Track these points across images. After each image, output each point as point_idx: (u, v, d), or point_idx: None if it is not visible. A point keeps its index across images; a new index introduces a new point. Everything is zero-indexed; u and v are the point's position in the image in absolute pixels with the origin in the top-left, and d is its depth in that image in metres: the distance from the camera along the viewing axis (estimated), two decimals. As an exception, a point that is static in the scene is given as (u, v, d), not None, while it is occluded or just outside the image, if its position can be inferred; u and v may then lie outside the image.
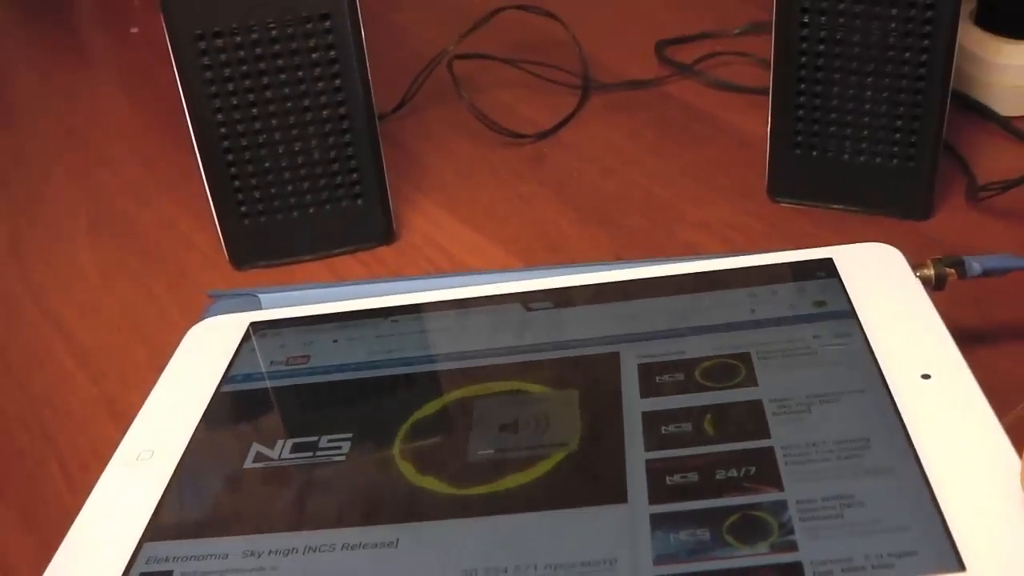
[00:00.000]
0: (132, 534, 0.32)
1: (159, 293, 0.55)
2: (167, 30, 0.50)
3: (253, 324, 0.43)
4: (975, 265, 0.43)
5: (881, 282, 0.39)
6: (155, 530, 0.33)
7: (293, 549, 0.31)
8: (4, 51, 0.88)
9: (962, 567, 0.26)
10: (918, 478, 0.29)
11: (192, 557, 0.31)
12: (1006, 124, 0.61)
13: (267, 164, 0.53)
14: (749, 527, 0.29)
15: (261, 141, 0.53)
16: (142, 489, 0.34)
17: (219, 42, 0.50)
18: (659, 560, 0.28)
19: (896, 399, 0.32)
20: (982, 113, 0.62)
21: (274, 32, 0.51)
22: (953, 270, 0.43)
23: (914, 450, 0.30)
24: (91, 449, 0.45)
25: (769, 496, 0.30)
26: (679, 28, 0.74)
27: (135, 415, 0.39)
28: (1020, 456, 0.29)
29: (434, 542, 0.30)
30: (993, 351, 0.45)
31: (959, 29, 0.50)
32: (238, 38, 0.50)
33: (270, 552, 0.31)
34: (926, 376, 0.33)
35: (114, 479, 0.35)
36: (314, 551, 0.30)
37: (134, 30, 0.86)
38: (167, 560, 0.31)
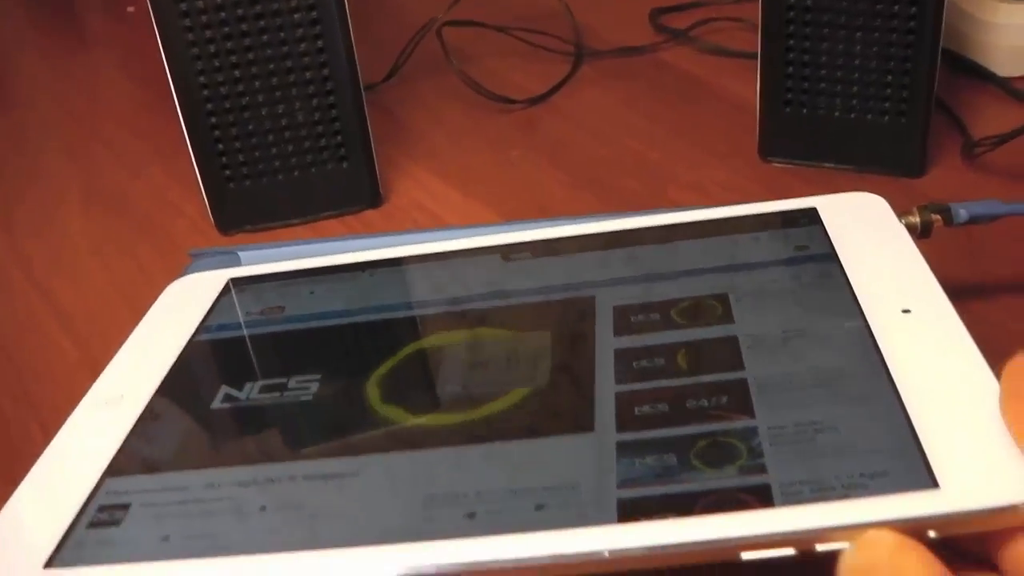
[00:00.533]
0: (94, 470, 0.32)
1: (147, 261, 0.55)
2: (149, -6, 0.50)
3: (232, 279, 0.43)
4: (961, 212, 0.42)
5: (864, 228, 0.38)
6: (117, 466, 0.32)
7: (253, 481, 0.30)
8: (3, 32, 0.88)
9: (935, 484, 0.26)
10: (893, 403, 0.29)
11: (152, 490, 0.31)
12: (1004, 84, 0.60)
13: (251, 127, 0.53)
14: (718, 452, 0.28)
15: (244, 104, 0.52)
16: (108, 429, 0.34)
17: (200, 3, 0.50)
18: (623, 484, 0.28)
19: (874, 331, 0.32)
20: (980, 74, 0.61)
21: (255, -7, 0.50)
22: (939, 216, 0.42)
23: (891, 378, 0.30)
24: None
25: (740, 423, 0.29)
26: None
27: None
28: (999, 381, 0.28)
29: (395, 471, 0.30)
30: (987, 304, 0.44)
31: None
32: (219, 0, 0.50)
33: (230, 484, 0.30)
34: (906, 311, 0.33)
35: (81, 421, 0.35)
36: (273, 482, 0.30)
37: (131, 9, 0.86)
38: (127, 494, 0.31)
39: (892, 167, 0.54)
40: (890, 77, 0.52)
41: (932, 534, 0.25)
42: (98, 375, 0.46)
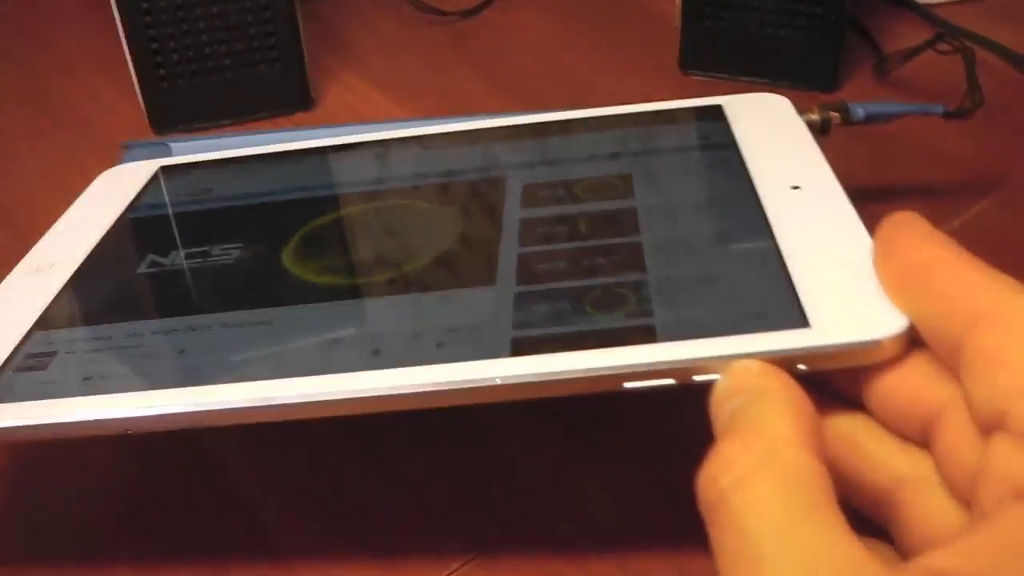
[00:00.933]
0: (22, 324, 0.34)
1: (82, 157, 0.56)
2: None
3: (162, 167, 0.44)
4: (859, 110, 0.45)
5: (765, 122, 0.40)
6: (45, 321, 0.34)
7: (174, 329, 0.32)
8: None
9: (807, 324, 0.28)
10: (774, 259, 0.31)
11: (77, 340, 0.33)
12: (923, 11, 0.62)
13: (185, 27, 0.54)
14: (608, 300, 0.30)
15: (179, 4, 0.53)
16: (37, 292, 0.36)
17: (135, -99, 0.51)
18: (518, 326, 0.30)
19: (762, 202, 0.34)
20: (900, 1, 0.63)
21: None
22: (837, 114, 0.44)
23: (774, 239, 0.32)
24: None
25: (631, 277, 0.31)
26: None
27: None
28: (873, 239, 0.30)
29: (305, 320, 0.32)
30: (885, 206, 0.46)
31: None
32: (154, -103, 0.51)
33: (151, 333, 0.32)
34: (796, 187, 0.35)
35: (12, 286, 0.37)
36: (194, 330, 0.32)
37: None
38: (53, 343, 0.33)
39: (807, 82, 0.56)
40: (804, -7, 0.54)
41: (802, 367, 0.27)
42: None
